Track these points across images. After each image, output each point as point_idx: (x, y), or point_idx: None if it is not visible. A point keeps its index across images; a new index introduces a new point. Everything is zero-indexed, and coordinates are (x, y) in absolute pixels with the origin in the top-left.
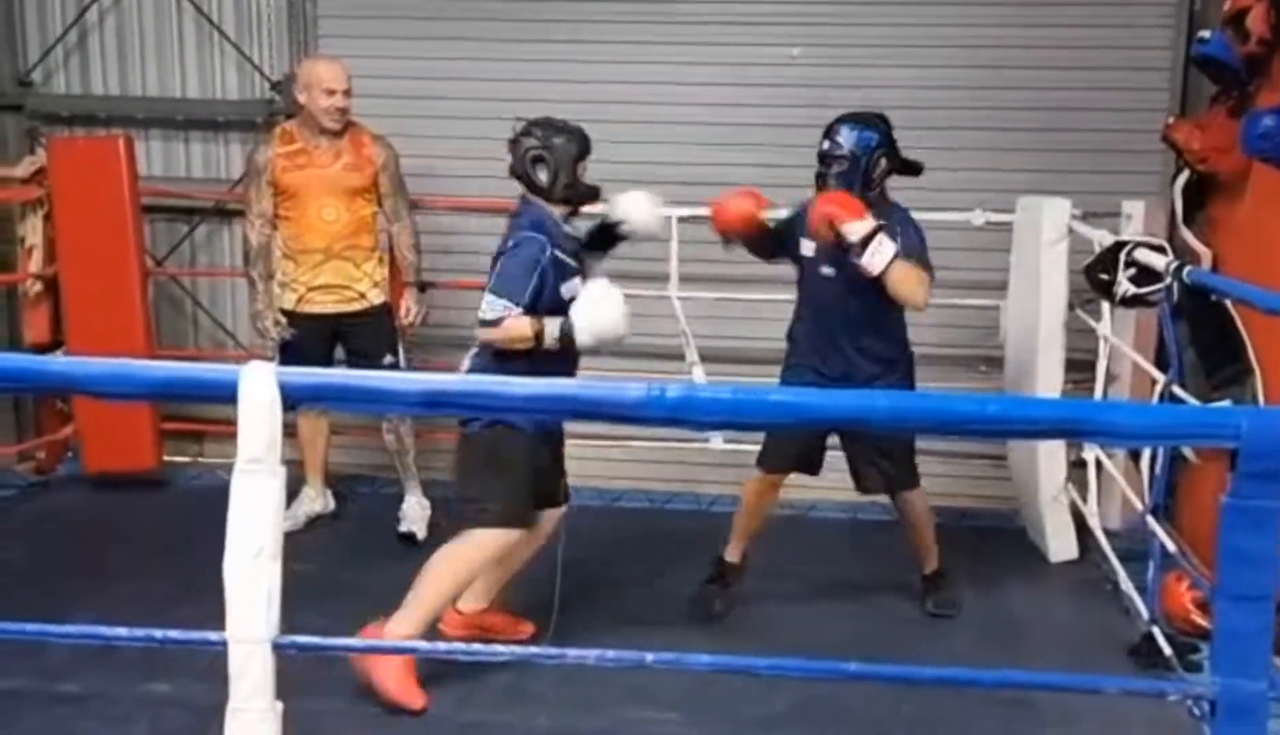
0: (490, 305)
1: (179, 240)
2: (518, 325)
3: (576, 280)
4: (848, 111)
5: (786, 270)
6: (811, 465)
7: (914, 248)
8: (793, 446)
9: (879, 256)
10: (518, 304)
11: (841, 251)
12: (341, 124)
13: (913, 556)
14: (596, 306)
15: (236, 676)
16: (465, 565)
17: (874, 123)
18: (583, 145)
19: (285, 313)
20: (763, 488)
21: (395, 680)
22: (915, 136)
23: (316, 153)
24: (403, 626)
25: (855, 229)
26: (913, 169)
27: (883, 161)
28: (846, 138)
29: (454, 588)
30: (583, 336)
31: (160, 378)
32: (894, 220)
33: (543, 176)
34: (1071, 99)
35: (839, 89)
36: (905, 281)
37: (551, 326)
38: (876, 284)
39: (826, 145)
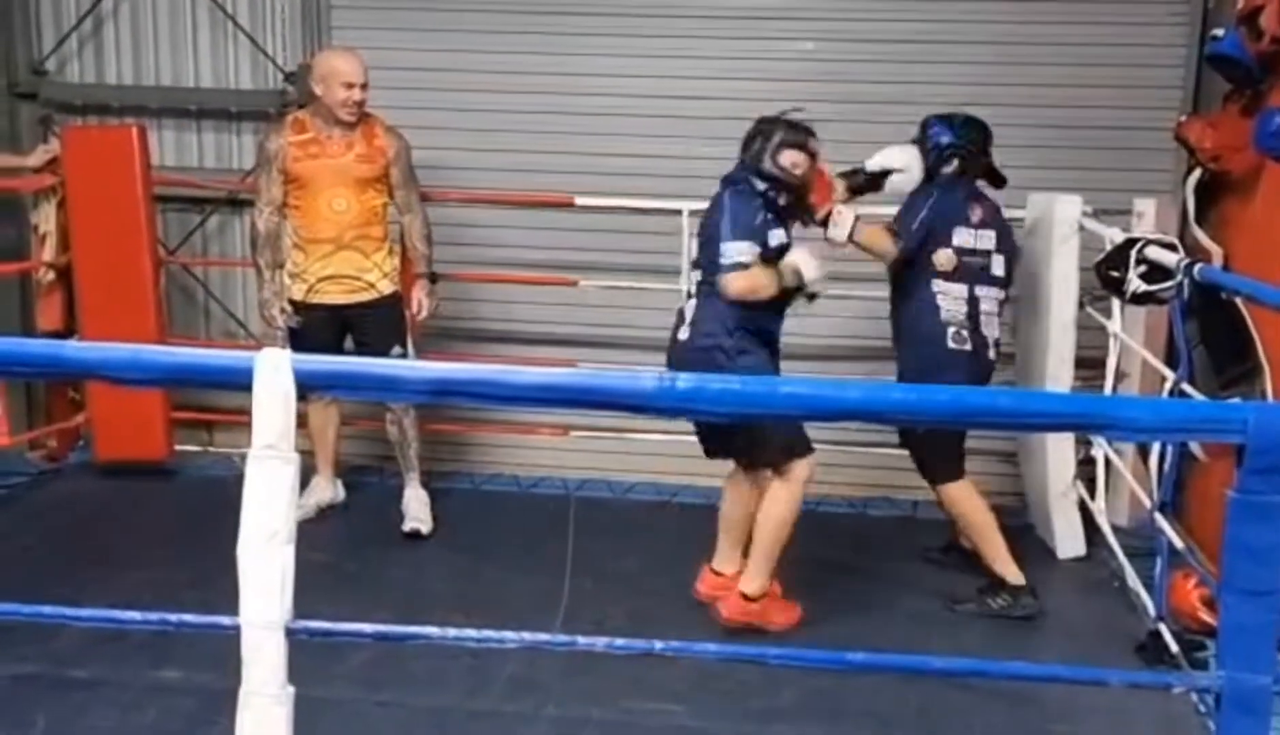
0: (730, 250)
1: (191, 230)
2: (763, 272)
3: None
4: (952, 111)
5: None
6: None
7: (910, 215)
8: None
9: (839, 228)
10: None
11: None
12: (356, 117)
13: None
14: (808, 252)
15: (249, 661)
16: (789, 503)
17: (957, 123)
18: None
19: (295, 303)
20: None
21: (779, 614)
22: None
23: (328, 142)
24: (753, 583)
25: (818, 211)
26: (994, 178)
27: (954, 162)
28: (928, 127)
29: (785, 527)
30: (812, 272)
31: (175, 363)
32: (921, 194)
33: (752, 153)
34: (1084, 96)
35: (852, 84)
36: (866, 242)
37: (787, 266)
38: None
39: (916, 133)
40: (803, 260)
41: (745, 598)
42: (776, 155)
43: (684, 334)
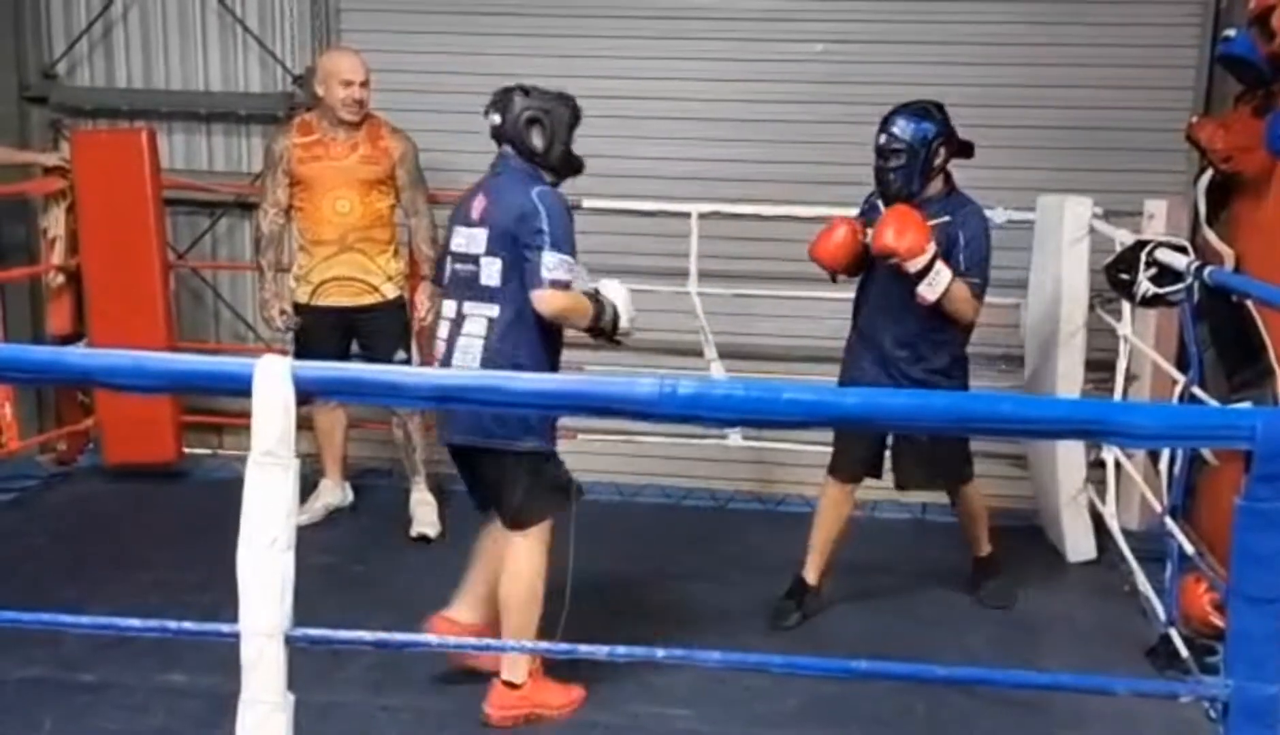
0: (553, 264)
1: (200, 233)
2: (581, 299)
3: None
4: (901, 102)
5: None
6: (877, 468)
7: (976, 254)
8: (861, 449)
9: (934, 288)
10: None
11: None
12: (359, 115)
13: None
14: (621, 294)
15: (249, 668)
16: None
17: (930, 112)
18: (576, 113)
19: (300, 306)
20: (839, 496)
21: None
22: None
23: (333, 144)
24: (516, 667)
25: (914, 265)
26: (966, 151)
27: (942, 150)
28: (903, 130)
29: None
30: (625, 321)
31: (175, 370)
32: (958, 217)
33: (538, 141)
34: (1095, 97)
35: (862, 85)
36: (955, 305)
37: (608, 305)
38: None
39: (883, 139)
40: (623, 300)
41: (510, 685)
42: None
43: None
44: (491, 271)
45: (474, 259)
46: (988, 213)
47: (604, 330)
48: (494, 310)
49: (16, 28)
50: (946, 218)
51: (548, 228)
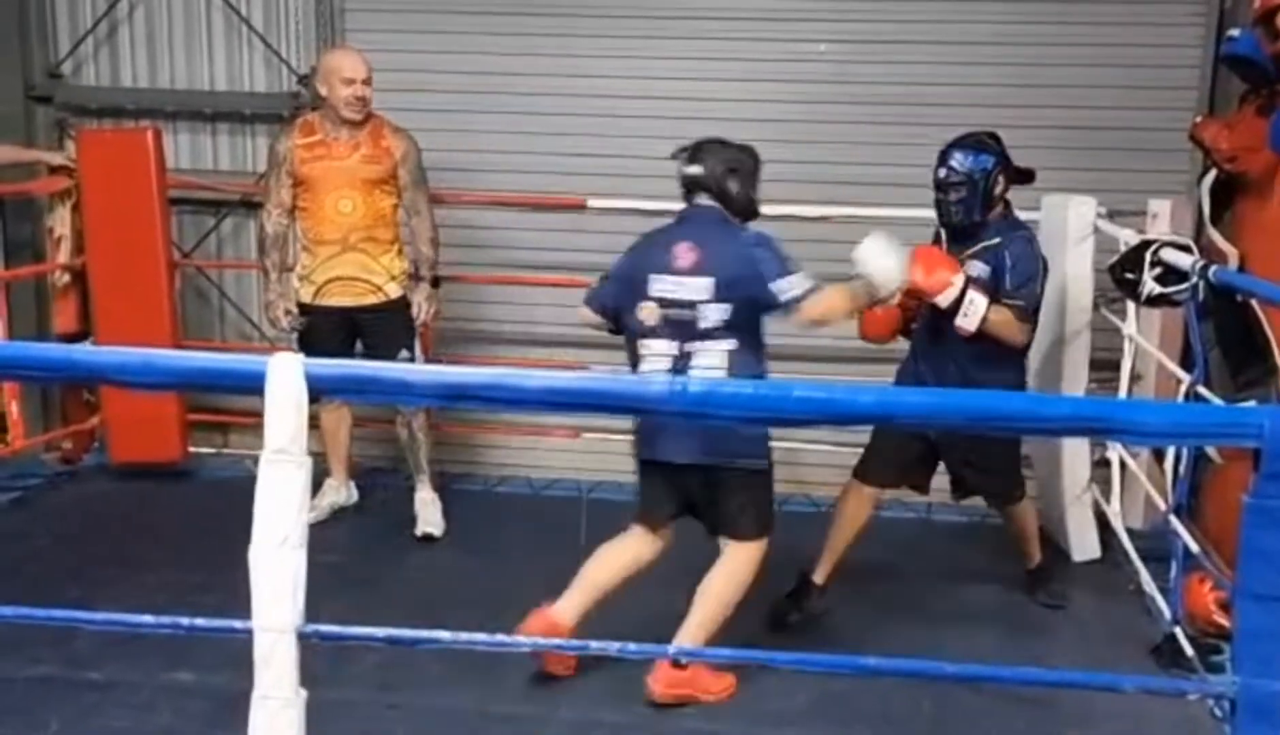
0: (794, 281)
1: (206, 232)
2: (833, 297)
3: None
4: (960, 135)
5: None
6: (916, 480)
7: (1021, 275)
8: (895, 455)
9: (971, 317)
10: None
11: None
12: (361, 114)
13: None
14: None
15: (261, 664)
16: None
17: (986, 144)
18: (758, 162)
19: (303, 306)
20: (860, 500)
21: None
22: (943, 132)
23: (335, 144)
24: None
25: (943, 299)
26: (1026, 177)
27: (1001, 179)
28: (962, 163)
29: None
30: (880, 281)
31: (188, 368)
32: (1007, 239)
33: (735, 189)
34: (1099, 97)
35: (865, 85)
36: (996, 330)
37: (857, 284)
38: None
39: (943, 173)
40: (872, 258)
41: (677, 665)
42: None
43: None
44: (715, 316)
45: (690, 305)
46: None
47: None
48: (729, 345)
49: (22, 27)
50: (997, 239)
51: (773, 259)
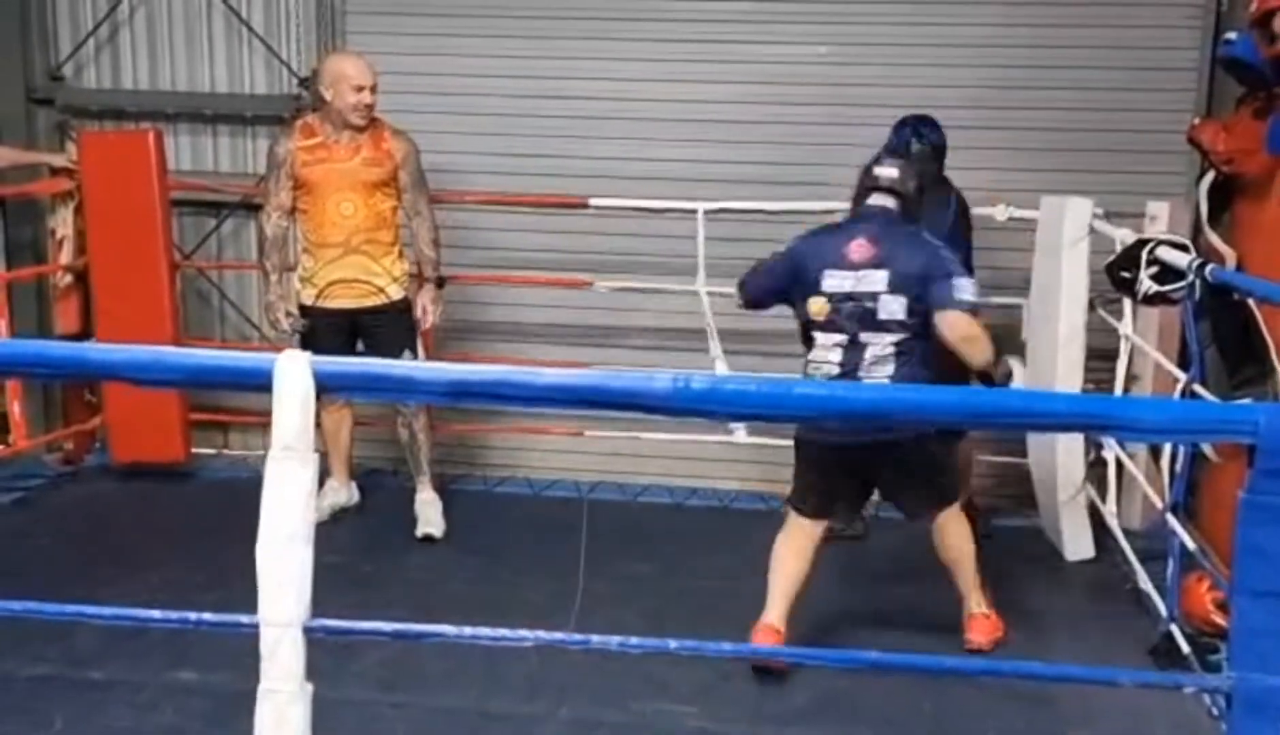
0: (968, 285)
1: (206, 234)
2: (984, 332)
3: None
4: (911, 112)
5: None
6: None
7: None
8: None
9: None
10: None
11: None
12: (368, 121)
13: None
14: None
15: (268, 659)
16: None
17: (932, 122)
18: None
19: (305, 308)
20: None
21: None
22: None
23: (336, 147)
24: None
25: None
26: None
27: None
28: (934, 136)
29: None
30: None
31: (196, 365)
32: (947, 210)
33: (915, 192)
34: (1097, 99)
35: (866, 87)
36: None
37: (1005, 359)
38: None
39: (917, 146)
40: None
41: (985, 616)
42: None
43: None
44: (891, 308)
45: (866, 296)
46: (989, 211)
47: (990, 375)
48: (899, 336)
49: (23, 30)
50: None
51: (955, 261)
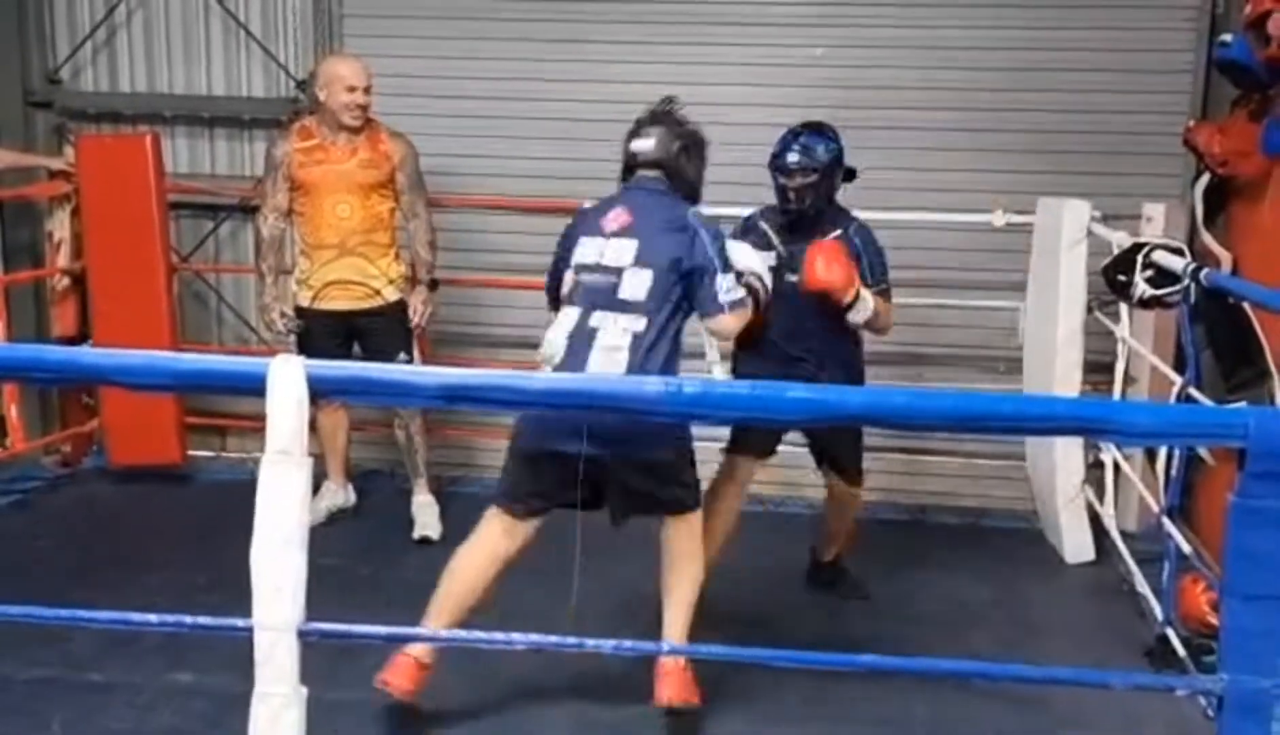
0: (732, 283)
1: (204, 236)
2: (745, 313)
3: None
4: (804, 122)
5: None
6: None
7: (878, 266)
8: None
9: (861, 311)
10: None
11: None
12: (361, 121)
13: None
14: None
15: (263, 662)
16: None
17: (832, 132)
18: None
19: (301, 309)
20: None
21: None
22: (937, 137)
23: (333, 149)
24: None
25: (847, 296)
26: (851, 175)
27: (840, 168)
28: (819, 150)
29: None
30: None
31: (190, 369)
32: (851, 233)
33: (690, 170)
34: (1093, 101)
35: (862, 89)
36: (881, 317)
37: (756, 285)
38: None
39: (794, 158)
40: (749, 263)
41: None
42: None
43: None
44: (635, 285)
45: (610, 270)
46: (985, 216)
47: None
48: (638, 324)
49: (21, 32)
50: (839, 229)
51: (719, 254)
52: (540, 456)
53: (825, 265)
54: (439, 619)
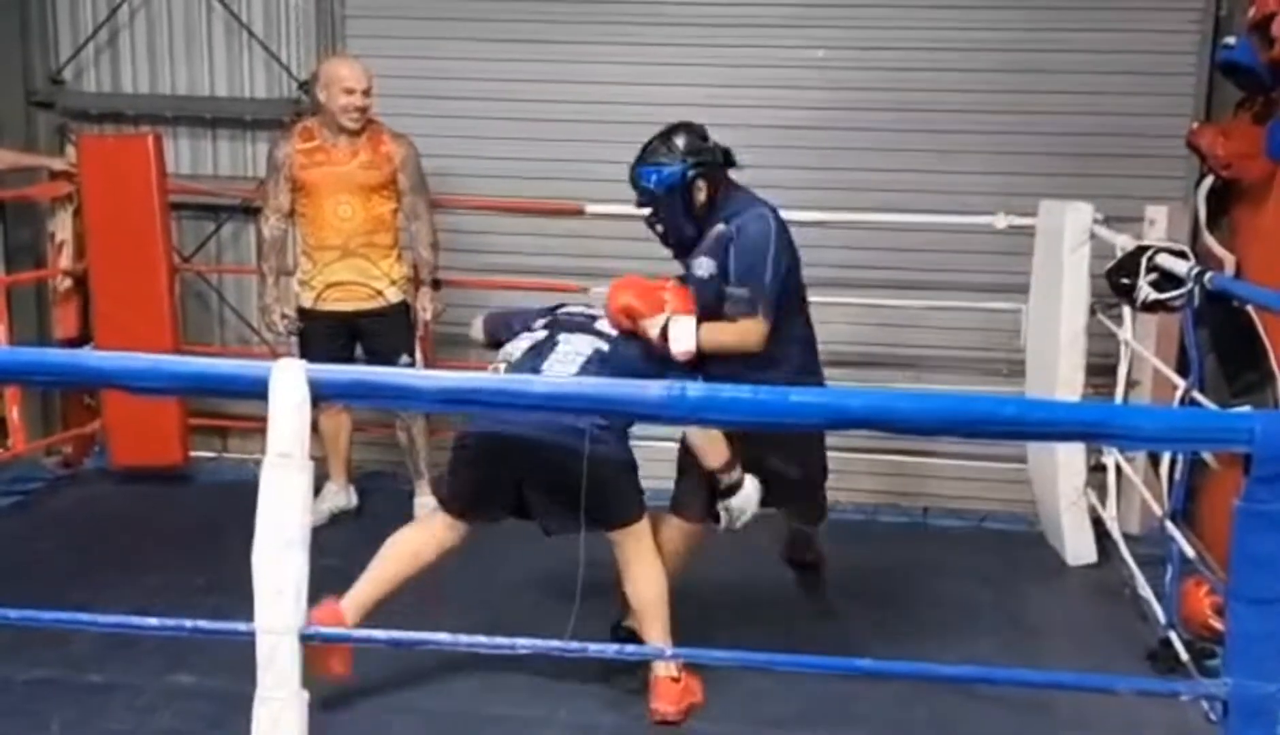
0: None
1: (206, 237)
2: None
3: None
4: (644, 145)
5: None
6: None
7: (746, 266)
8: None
9: (682, 342)
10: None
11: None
12: (360, 123)
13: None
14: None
15: (264, 666)
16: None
17: (670, 151)
18: None
19: (304, 311)
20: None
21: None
22: (940, 139)
23: (334, 150)
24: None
25: (651, 326)
26: (730, 161)
27: (700, 183)
28: (649, 183)
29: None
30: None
31: (192, 373)
32: (730, 231)
33: (701, 198)
34: (1096, 103)
35: (863, 92)
36: (720, 345)
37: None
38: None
39: (637, 199)
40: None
41: (674, 680)
42: None
43: None
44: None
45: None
46: (988, 219)
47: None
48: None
49: (23, 33)
50: (719, 229)
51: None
52: (473, 466)
53: (626, 298)
54: (370, 590)
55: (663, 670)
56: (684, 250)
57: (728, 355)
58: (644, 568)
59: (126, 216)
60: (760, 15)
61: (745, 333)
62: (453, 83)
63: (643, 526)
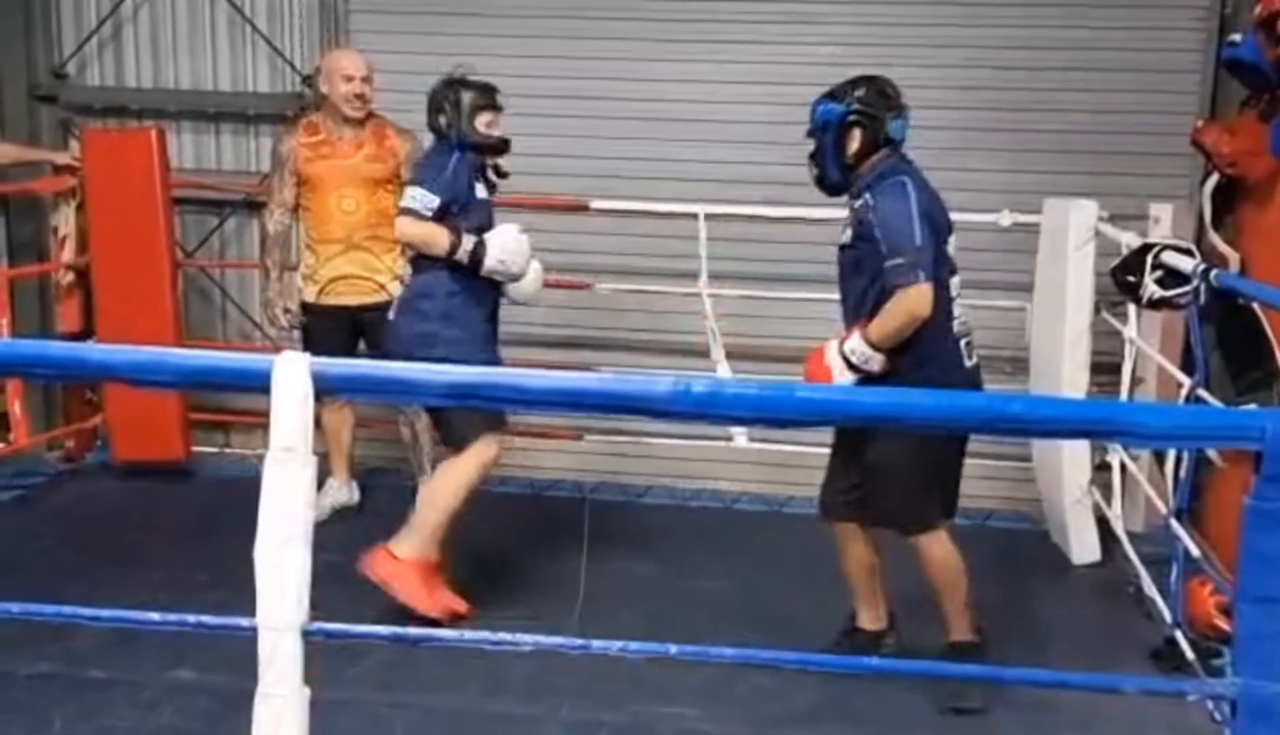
0: (410, 194)
1: (209, 232)
2: (435, 230)
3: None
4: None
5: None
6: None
7: (895, 235)
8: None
9: (873, 363)
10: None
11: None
12: (361, 112)
13: None
14: (506, 236)
15: (266, 662)
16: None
17: (846, 93)
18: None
19: (307, 305)
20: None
21: (426, 596)
22: (945, 136)
23: (338, 143)
24: (403, 545)
25: (837, 374)
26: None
27: (855, 132)
28: (816, 114)
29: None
30: (491, 257)
31: (195, 366)
32: (873, 202)
33: (442, 121)
34: (1101, 101)
35: None
36: (892, 331)
37: (467, 241)
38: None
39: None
40: (503, 243)
41: (392, 556)
42: (473, 119)
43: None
44: None
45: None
46: (993, 216)
47: (461, 262)
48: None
49: (27, 27)
50: (862, 200)
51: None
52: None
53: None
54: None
55: (396, 546)
56: (830, 192)
57: (906, 334)
58: (446, 481)
59: (129, 211)
60: (766, 12)
61: (909, 303)
62: None
63: (468, 457)
